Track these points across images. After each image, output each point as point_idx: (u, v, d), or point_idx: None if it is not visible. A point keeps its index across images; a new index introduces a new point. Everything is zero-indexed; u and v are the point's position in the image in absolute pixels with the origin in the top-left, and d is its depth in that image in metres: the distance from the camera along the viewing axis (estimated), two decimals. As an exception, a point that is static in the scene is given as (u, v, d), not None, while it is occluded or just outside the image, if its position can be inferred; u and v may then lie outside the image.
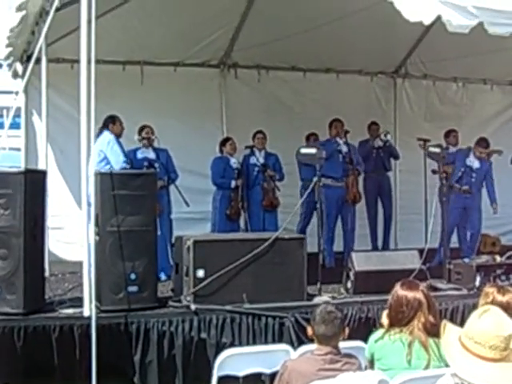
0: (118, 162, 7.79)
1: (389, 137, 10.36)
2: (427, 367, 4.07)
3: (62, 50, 9.12)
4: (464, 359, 3.41)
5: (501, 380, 3.37)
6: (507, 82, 12.33)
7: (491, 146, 10.30)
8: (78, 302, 6.48)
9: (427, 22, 6.71)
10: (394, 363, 4.17)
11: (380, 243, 10.69)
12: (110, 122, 8.16)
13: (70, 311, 6.42)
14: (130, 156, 8.37)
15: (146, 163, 8.48)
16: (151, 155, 8.65)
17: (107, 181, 6.58)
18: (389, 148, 10.46)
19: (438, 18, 6.58)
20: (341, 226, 9.80)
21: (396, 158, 10.60)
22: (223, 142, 9.69)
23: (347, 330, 4.28)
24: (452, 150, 10.11)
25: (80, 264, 6.48)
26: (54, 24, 7.01)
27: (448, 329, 3.71)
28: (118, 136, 8.16)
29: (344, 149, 9.70)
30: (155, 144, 8.73)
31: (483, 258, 8.05)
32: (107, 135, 8.04)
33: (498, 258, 8.02)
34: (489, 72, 11.79)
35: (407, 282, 4.46)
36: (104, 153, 7.84)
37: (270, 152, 9.78)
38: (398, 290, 4.31)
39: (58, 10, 6.80)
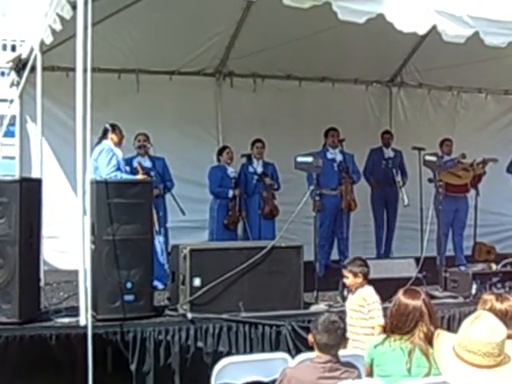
0: (104, 173, 7.71)
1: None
2: (428, 375, 4.05)
3: (57, 58, 9.08)
4: (459, 368, 3.40)
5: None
6: (502, 91, 12.37)
7: (485, 155, 10.36)
8: (73, 311, 6.47)
9: (422, 32, 6.75)
10: (394, 370, 4.15)
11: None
12: (109, 131, 8.13)
13: (66, 320, 6.39)
14: (128, 164, 8.32)
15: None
16: (147, 163, 8.62)
17: (103, 189, 6.55)
18: (400, 160, 10.46)
19: (433, 27, 6.62)
20: (336, 235, 9.81)
21: (404, 174, 10.54)
22: (220, 151, 9.69)
23: (350, 340, 4.26)
24: (446, 158, 10.13)
25: (75, 273, 6.46)
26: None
27: (441, 338, 3.70)
28: (117, 145, 8.12)
29: (339, 157, 9.70)
30: (151, 152, 8.71)
31: (479, 266, 8.07)
32: (103, 145, 8.01)
33: (494, 266, 8.03)
34: (484, 81, 11.82)
35: (409, 290, 4.42)
36: (96, 162, 7.81)
37: (267, 161, 9.79)
38: (400, 298, 4.29)
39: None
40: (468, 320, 3.54)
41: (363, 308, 5.90)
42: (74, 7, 6.47)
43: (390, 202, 10.54)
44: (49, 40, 7.20)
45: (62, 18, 6.74)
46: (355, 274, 6.04)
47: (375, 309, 5.88)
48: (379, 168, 10.49)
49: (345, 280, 6.18)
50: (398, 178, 10.26)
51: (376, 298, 5.99)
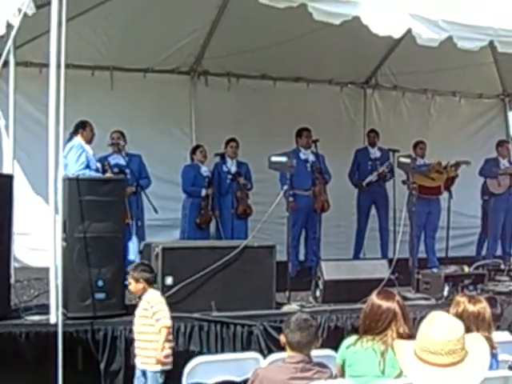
0: (73, 170, 7.63)
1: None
2: (400, 376, 4.05)
3: (30, 54, 9.01)
4: (425, 372, 3.42)
5: (466, 378, 3.40)
6: (476, 95, 12.46)
7: (458, 158, 10.41)
8: (44, 308, 6.39)
9: (397, 35, 6.79)
10: (366, 371, 4.15)
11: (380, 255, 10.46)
12: (80, 128, 8.07)
13: (36, 318, 6.31)
14: (102, 162, 8.26)
15: (116, 169, 8.38)
16: (122, 161, 8.57)
17: (75, 186, 6.49)
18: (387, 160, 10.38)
19: (408, 31, 6.66)
20: (308, 235, 9.82)
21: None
22: (194, 150, 9.67)
23: (320, 339, 4.26)
24: (420, 161, 10.15)
25: (46, 270, 6.39)
26: (23, 26, 6.90)
27: (399, 346, 3.72)
28: (88, 142, 8.06)
29: (311, 158, 9.69)
30: (128, 149, 8.65)
31: (452, 268, 8.10)
32: (73, 141, 7.94)
33: (466, 269, 8.09)
34: (458, 85, 11.92)
35: (383, 291, 4.44)
36: (66, 159, 7.74)
37: (241, 161, 9.77)
38: (374, 299, 4.28)
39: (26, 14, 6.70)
40: (424, 323, 3.57)
41: (147, 311, 5.72)
42: (38, 6, 6.40)
43: (380, 203, 10.43)
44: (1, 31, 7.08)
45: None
46: (137, 280, 5.87)
47: (160, 310, 5.68)
48: (365, 169, 10.37)
49: (129, 287, 6.00)
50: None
51: (160, 299, 5.81)
